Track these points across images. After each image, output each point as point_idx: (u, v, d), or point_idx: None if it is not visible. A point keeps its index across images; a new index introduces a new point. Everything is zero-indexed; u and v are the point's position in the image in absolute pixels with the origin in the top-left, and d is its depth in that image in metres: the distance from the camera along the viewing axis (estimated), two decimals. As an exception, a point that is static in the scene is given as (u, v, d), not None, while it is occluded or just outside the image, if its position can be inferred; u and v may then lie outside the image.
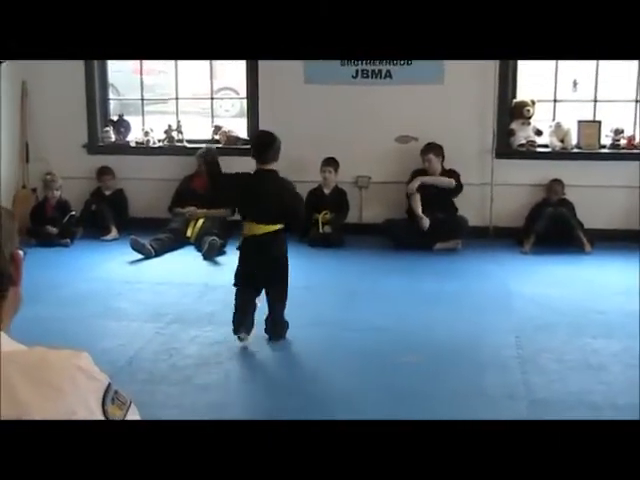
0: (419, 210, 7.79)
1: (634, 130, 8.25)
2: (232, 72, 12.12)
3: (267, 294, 5.32)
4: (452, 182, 7.87)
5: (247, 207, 5.32)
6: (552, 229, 7.72)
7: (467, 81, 8.16)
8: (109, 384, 1.48)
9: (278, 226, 5.22)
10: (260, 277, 5.26)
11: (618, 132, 8.21)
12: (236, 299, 5.25)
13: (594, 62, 8.24)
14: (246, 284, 5.25)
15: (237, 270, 5.31)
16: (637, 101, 8.22)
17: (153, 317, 5.80)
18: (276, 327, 5.35)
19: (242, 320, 5.21)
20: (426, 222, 7.74)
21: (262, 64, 8.42)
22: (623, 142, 8.19)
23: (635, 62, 8.18)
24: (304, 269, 7.05)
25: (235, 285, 5.29)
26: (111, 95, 9.43)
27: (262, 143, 5.51)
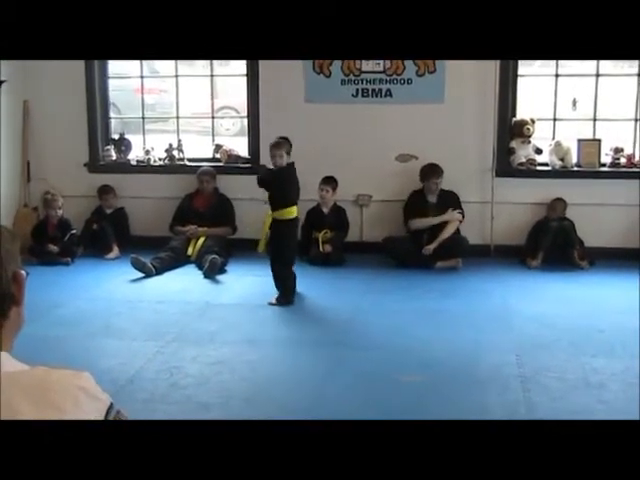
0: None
1: (634, 149, 8.28)
2: (233, 91, 12.17)
3: None
4: (460, 218, 7.96)
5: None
6: (556, 244, 7.80)
7: (467, 100, 8.19)
8: (111, 404, 1.48)
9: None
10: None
11: (618, 151, 8.23)
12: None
13: (593, 80, 8.27)
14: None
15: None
16: (636, 120, 8.25)
17: (154, 336, 5.79)
18: None
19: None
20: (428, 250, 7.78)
21: (263, 83, 8.46)
22: (623, 161, 8.21)
23: (634, 81, 8.23)
24: (305, 288, 7.05)
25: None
26: (112, 114, 9.45)
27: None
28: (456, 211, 7.92)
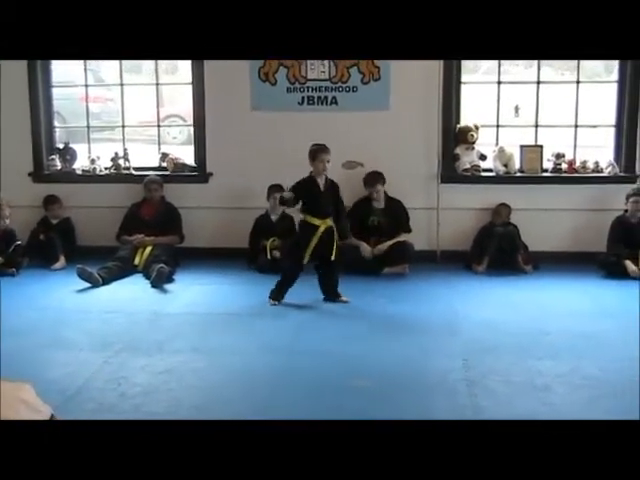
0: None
1: (574, 154, 8.44)
2: (180, 99, 12.13)
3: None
4: (406, 237, 8.06)
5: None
6: (501, 248, 7.92)
7: (412, 107, 8.27)
8: (51, 415, 1.49)
9: None
10: None
11: (559, 156, 8.39)
12: None
13: (535, 88, 8.42)
14: None
15: None
16: (576, 126, 8.43)
17: (102, 346, 5.74)
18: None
19: None
20: (367, 251, 7.84)
21: (208, 91, 8.45)
22: (564, 166, 8.38)
23: (574, 88, 8.40)
24: (253, 296, 7.06)
25: None
26: (57, 123, 9.36)
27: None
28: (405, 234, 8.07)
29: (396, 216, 8.07)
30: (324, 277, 6.98)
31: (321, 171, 6.77)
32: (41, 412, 1.49)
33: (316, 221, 6.77)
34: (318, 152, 6.75)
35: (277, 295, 6.87)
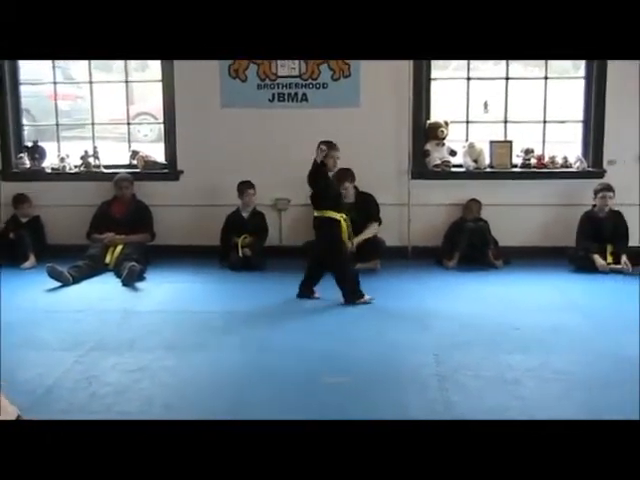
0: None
1: (543, 150, 8.51)
2: (150, 97, 12.07)
3: None
4: (376, 228, 8.06)
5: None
6: (471, 244, 7.96)
7: (382, 103, 8.29)
8: (18, 416, 1.49)
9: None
10: None
11: (528, 152, 8.45)
12: None
13: (504, 83, 8.48)
14: None
15: None
16: (545, 122, 8.49)
17: (72, 345, 5.71)
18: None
19: None
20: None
21: (178, 88, 8.42)
22: (533, 161, 8.44)
23: (542, 84, 8.46)
24: (226, 294, 7.05)
25: None
26: (25, 121, 9.29)
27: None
28: (374, 223, 8.05)
29: (367, 209, 8.07)
30: (314, 273, 6.99)
31: (332, 167, 6.77)
32: (8, 413, 1.49)
33: (337, 215, 6.79)
34: (330, 148, 6.76)
35: (355, 296, 6.79)
